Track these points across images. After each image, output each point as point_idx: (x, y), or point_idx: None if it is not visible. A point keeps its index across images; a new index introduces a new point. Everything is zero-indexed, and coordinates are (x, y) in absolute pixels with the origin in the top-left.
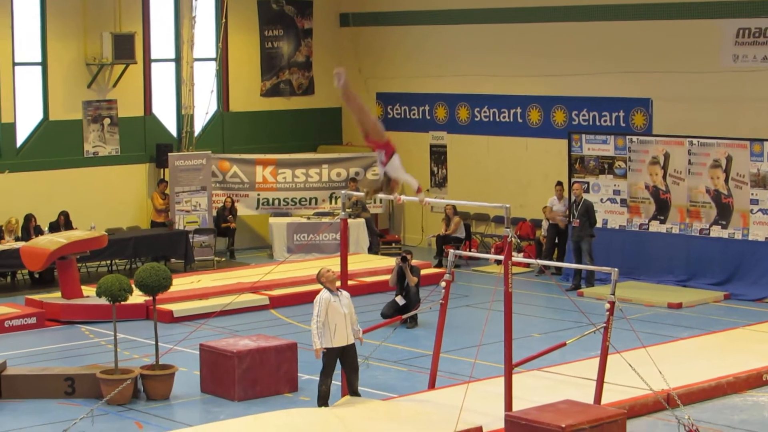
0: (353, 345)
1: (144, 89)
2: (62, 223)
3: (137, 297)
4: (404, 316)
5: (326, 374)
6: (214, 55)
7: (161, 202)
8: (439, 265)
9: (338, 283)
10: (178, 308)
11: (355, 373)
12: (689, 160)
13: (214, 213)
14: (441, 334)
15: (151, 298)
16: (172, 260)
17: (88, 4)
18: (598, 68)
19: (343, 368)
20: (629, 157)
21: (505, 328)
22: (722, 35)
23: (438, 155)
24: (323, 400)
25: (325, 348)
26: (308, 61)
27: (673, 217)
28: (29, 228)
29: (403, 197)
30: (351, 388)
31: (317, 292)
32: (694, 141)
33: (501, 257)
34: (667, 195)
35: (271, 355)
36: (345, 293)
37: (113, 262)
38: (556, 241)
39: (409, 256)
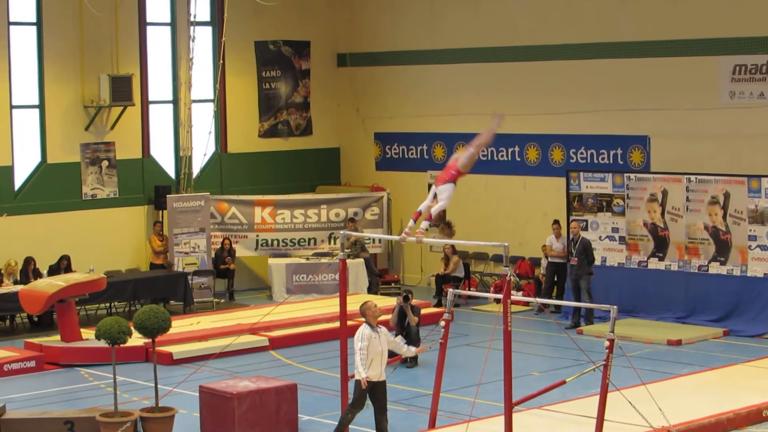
0: (384, 383)
1: (142, 131)
2: (63, 267)
3: (136, 339)
4: (404, 356)
5: (356, 405)
6: (212, 97)
7: (159, 243)
8: (439, 304)
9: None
10: (177, 350)
11: (383, 413)
12: (687, 197)
13: (213, 254)
14: (441, 373)
15: (150, 340)
16: (171, 302)
17: (85, 46)
18: (595, 106)
19: (373, 406)
20: (627, 195)
21: (505, 367)
22: (719, 72)
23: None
24: (342, 426)
25: (367, 378)
26: (306, 102)
27: (671, 254)
28: (28, 271)
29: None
30: (379, 427)
31: (317, 332)
32: (692, 178)
33: (500, 296)
34: (665, 232)
35: (271, 397)
36: (384, 329)
37: (112, 304)
38: (555, 279)
39: (410, 296)
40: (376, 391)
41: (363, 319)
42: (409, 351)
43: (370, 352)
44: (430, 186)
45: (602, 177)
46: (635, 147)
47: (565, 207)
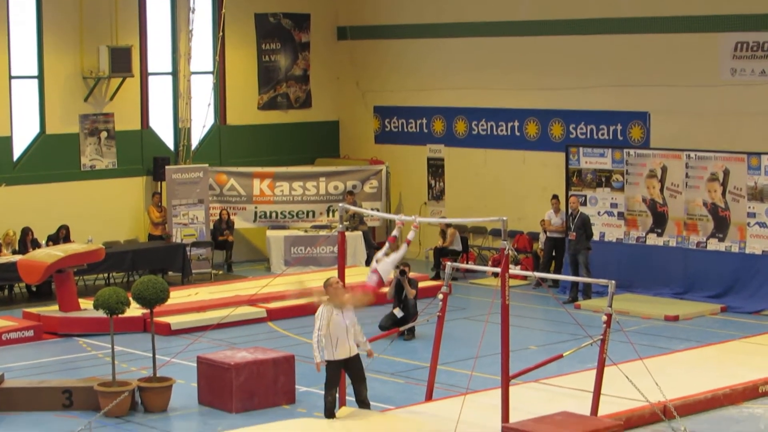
0: (357, 356)
1: (141, 103)
2: (62, 236)
3: (135, 310)
4: (402, 329)
5: (330, 386)
6: (211, 69)
7: (157, 215)
8: (437, 277)
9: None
10: (175, 321)
11: (363, 383)
12: (686, 174)
13: (211, 226)
14: (438, 346)
15: (148, 310)
16: (170, 273)
17: (84, 17)
18: (595, 82)
19: (350, 378)
20: (626, 171)
21: (502, 341)
22: (720, 49)
23: (435, 168)
24: (329, 411)
25: (326, 361)
26: (305, 75)
27: (670, 230)
28: (26, 241)
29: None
30: (359, 397)
31: (315, 304)
32: (692, 154)
33: (498, 270)
34: (664, 208)
35: (269, 368)
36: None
37: (111, 275)
38: (554, 253)
39: (407, 269)
40: (350, 367)
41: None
42: (363, 345)
43: (333, 331)
44: (428, 161)
45: (602, 152)
46: (635, 123)
47: (564, 182)
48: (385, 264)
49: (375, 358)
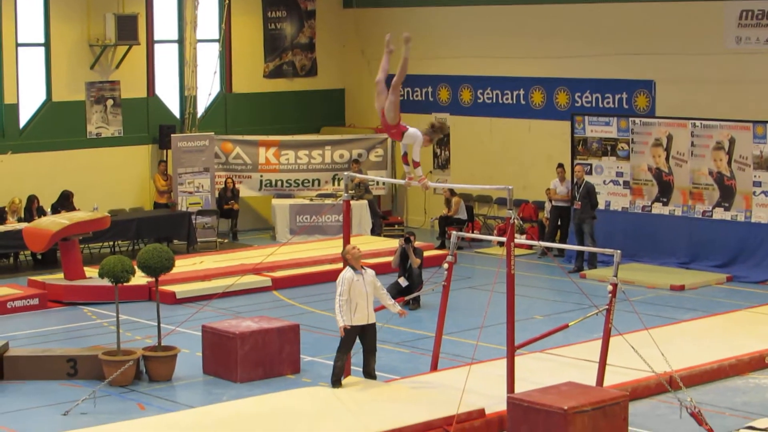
0: (374, 325)
1: (147, 70)
2: (71, 200)
3: (140, 278)
4: (407, 298)
5: (343, 351)
6: (217, 37)
7: (163, 183)
8: (442, 246)
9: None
10: (180, 290)
11: (373, 354)
12: (692, 142)
13: (217, 194)
14: (443, 315)
15: (153, 279)
16: (175, 241)
17: None
18: (601, 50)
19: (362, 347)
20: (632, 139)
21: (508, 310)
22: (725, 17)
23: (441, 137)
24: (337, 375)
25: (348, 326)
26: (311, 43)
27: (675, 199)
28: (32, 209)
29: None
30: (367, 369)
31: (320, 273)
32: (697, 123)
33: (503, 239)
34: (669, 177)
35: (274, 337)
36: (369, 271)
37: (116, 243)
38: (559, 223)
39: (412, 238)
40: (365, 334)
41: (369, 262)
42: (393, 307)
43: (354, 296)
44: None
45: (607, 121)
46: (641, 91)
47: (570, 151)
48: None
49: (379, 327)
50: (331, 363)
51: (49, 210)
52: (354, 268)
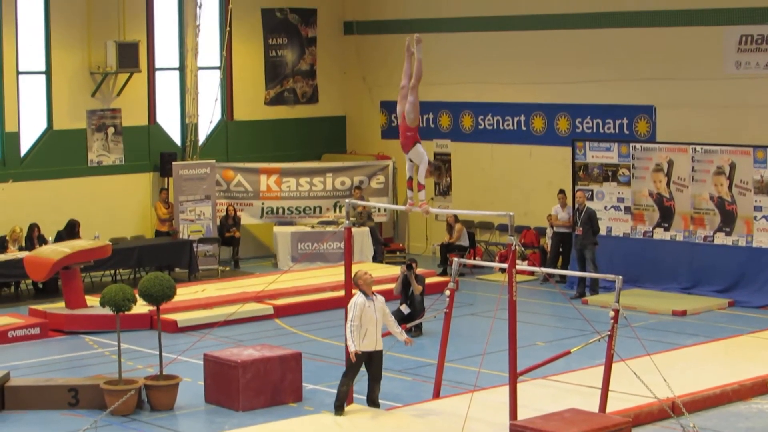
0: (380, 352)
1: (148, 98)
2: (77, 231)
3: (141, 307)
4: (409, 325)
5: (350, 376)
6: (218, 64)
7: (164, 211)
8: (444, 273)
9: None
10: (182, 318)
11: (377, 382)
12: (693, 167)
13: (218, 222)
14: (445, 342)
15: (155, 307)
16: (177, 270)
17: (92, 12)
18: (601, 76)
19: (367, 374)
20: (633, 165)
21: (510, 337)
22: (725, 42)
23: (442, 163)
24: (340, 400)
25: (359, 351)
26: (312, 70)
27: (677, 225)
28: (33, 237)
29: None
30: (371, 396)
31: (321, 301)
32: (698, 148)
33: (505, 265)
34: (671, 202)
35: (276, 365)
36: (380, 297)
37: (117, 271)
38: (561, 249)
39: (414, 265)
40: (371, 361)
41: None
42: (400, 335)
43: (364, 322)
44: (435, 156)
45: (608, 147)
46: (641, 117)
47: (571, 176)
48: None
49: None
50: (334, 390)
51: (50, 238)
52: (366, 294)
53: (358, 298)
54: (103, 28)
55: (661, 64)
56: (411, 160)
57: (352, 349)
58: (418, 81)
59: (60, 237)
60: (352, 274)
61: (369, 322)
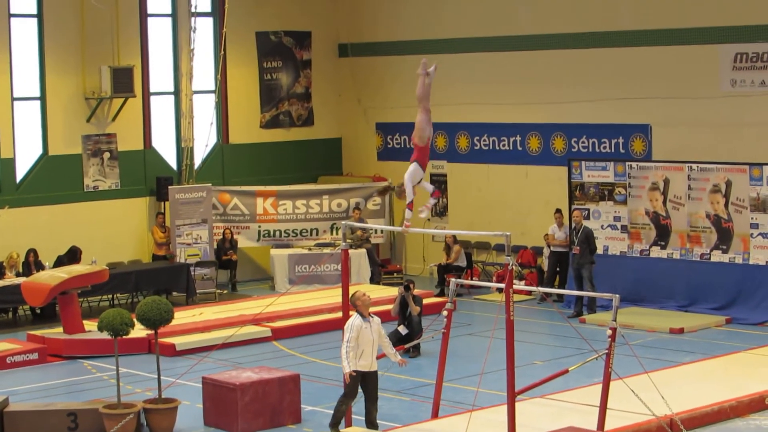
0: (375, 373)
1: (143, 122)
2: (78, 257)
3: (139, 331)
4: (407, 346)
5: (347, 396)
6: (213, 88)
7: (161, 235)
8: (441, 294)
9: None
10: (180, 341)
11: (374, 403)
12: (689, 186)
13: (215, 245)
14: (444, 362)
15: (153, 331)
16: (174, 293)
17: (86, 38)
18: (596, 95)
19: (364, 395)
20: (629, 183)
21: (507, 356)
22: (720, 60)
23: (438, 184)
24: (337, 419)
25: (353, 372)
26: (307, 92)
27: (673, 243)
28: (30, 263)
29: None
30: (369, 417)
31: (319, 323)
32: (694, 166)
33: (502, 285)
34: (667, 221)
35: (274, 387)
36: (376, 319)
37: (115, 296)
38: (558, 268)
39: (411, 285)
40: (367, 381)
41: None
42: (394, 356)
43: (361, 343)
44: (431, 177)
45: (604, 166)
46: (637, 136)
47: (567, 196)
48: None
49: (380, 376)
50: (332, 412)
51: (47, 264)
52: (363, 316)
53: (355, 319)
54: (97, 53)
55: (656, 83)
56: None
57: (346, 370)
58: (424, 100)
59: (61, 262)
60: (350, 296)
61: (365, 343)
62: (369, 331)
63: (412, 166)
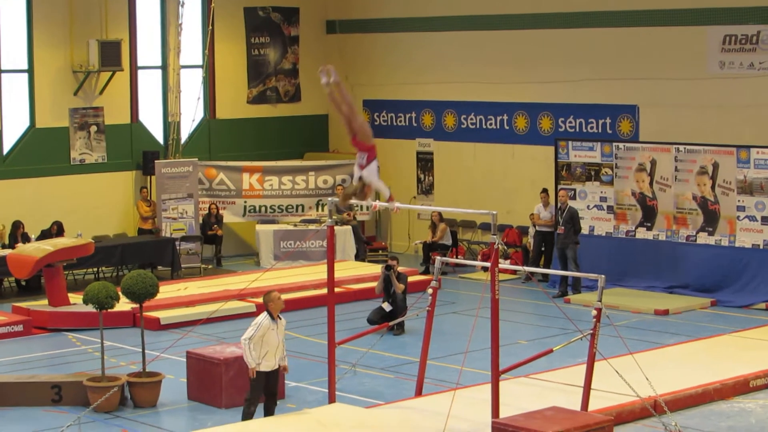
0: (277, 371)
1: (131, 96)
2: (54, 232)
3: (124, 304)
4: (391, 323)
5: (254, 398)
6: (200, 63)
7: (146, 209)
8: (426, 272)
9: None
10: (165, 315)
11: (273, 399)
12: (676, 167)
13: (200, 220)
14: (428, 341)
15: (138, 305)
16: (159, 267)
17: (74, 11)
18: (584, 75)
19: (264, 393)
20: (616, 164)
21: (492, 335)
22: (708, 42)
23: (425, 162)
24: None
25: (256, 369)
26: (295, 69)
27: (659, 224)
28: (16, 235)
29: (378, 203)
30: (268, 412)
31: (304, 299)
32: (681, 148)
33: (488, 264)
34: (653, 202)
35: None
36: (283, 321)
37: (100, 269)
38: (543, 248)
39: (394, 263)
40: (268, 380)
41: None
42: (283, 360)
43: (265, 344)
44: (417, 155)
45: (591, 146)
46: (624, 116)
47: (554, 176)
48: (372, 174)
49: (365, 353)
50: (317, 388)
51: (33, 236)
52: (272, 317)
53: (264, 319)
54: (85, 26)
55: (644, 64)
56: (361, 178)
57: (252, 365)
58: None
59: (45, 234)
60: (264, 295)
61: (269, 344)
62: (275, 333)
63: (374, 165)
